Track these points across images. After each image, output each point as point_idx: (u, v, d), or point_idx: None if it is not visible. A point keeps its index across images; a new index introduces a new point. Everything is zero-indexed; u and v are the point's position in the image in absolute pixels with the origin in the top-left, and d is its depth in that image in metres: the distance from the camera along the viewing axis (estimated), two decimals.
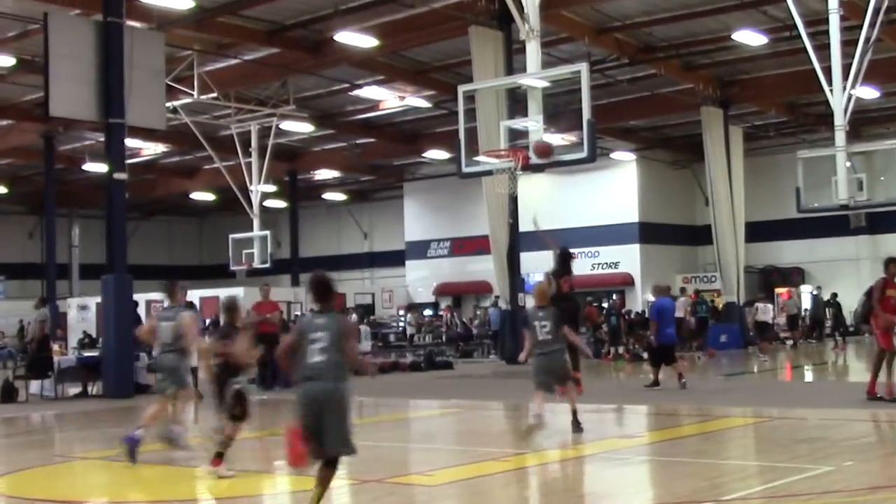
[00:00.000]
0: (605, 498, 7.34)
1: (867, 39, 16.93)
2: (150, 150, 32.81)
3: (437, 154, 32.69)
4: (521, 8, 13.33)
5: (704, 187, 30.93)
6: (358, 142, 32.92)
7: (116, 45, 16.36)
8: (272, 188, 32.27)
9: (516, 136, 15.58)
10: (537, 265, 33.00)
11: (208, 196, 39.22)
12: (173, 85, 21.76)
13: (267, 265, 26.79)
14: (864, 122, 29.24)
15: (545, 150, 11.56)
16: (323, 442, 5.78)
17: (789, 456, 8.40)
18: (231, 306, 8.35)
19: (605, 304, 28.55)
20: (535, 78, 13.22)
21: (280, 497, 7.87)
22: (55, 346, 18.28)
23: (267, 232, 27.26)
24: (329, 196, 41.78)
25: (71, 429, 13.15)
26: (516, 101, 20.73)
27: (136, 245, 33.34)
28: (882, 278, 11.92)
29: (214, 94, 23.89)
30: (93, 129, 26.17)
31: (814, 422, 10.98)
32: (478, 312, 33.84)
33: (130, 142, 22.87)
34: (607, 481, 7.92)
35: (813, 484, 6.97)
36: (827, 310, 28.00)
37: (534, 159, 12.91)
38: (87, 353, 18.64)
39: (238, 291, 33.20)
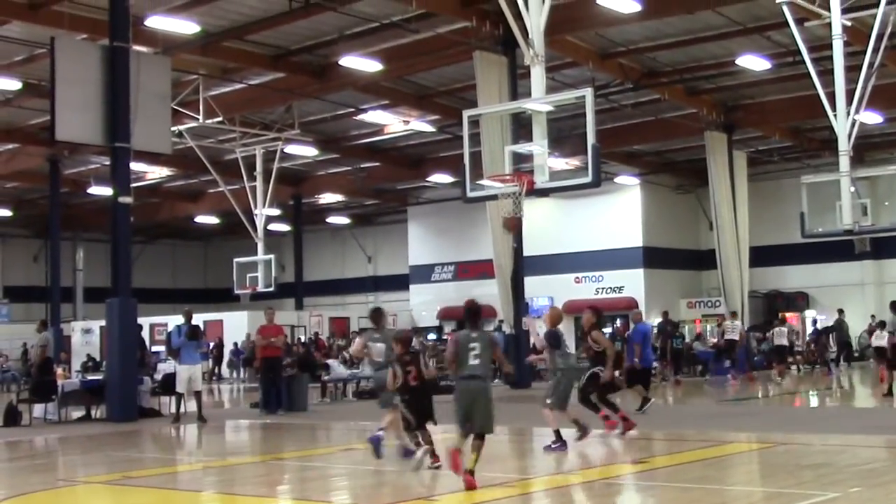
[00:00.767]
0: None
1: (871, 65, 17.04)
2: (155, 173, 32.99)
3: (441, 178, 32.81)
4: (525, 33, 13.44)
5: (708, 212, 30.98)
6: (362, 166, 33.06)
7: (122, 70, 16.49)
8: (276, 212, 32.41)
9: (520, 160, 15.66)
10: (541, 290, 33.27)
11: (213, 220, 39.35)
12: (179, 109, 21.91)
13: (271, 289, 26.85)
14: (868, 147, 29.30)
15: (514, 225, 11.83)
16: (474, 422, 8.11)
17: (795, 482, 8.37)
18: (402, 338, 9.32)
19: (607, 329, 28.51)
20: (539, 103, 13.31)
21: None
22: (58, 370, 18.26)
23: (271, 256, 27.34)
24: (333, 220, 41.89)
25: (74, 452, 13.11)
26: (521, 126, 20.83)
27: (141, 268, 33.42)
28: None
29: (220, 119, 24.06)
30: (98, 152, 26.35)
31: (819, 447, 10.93)
32: None
33: (135, 165, 23.01)
34: None
35: None
36: (831, 335, 27.91)
37: (538, 184, 12.95)
38: (90, 377, 18.64)
39: (242, 315, 33.56)
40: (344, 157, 31.78)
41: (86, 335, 35.97)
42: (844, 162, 16.47)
